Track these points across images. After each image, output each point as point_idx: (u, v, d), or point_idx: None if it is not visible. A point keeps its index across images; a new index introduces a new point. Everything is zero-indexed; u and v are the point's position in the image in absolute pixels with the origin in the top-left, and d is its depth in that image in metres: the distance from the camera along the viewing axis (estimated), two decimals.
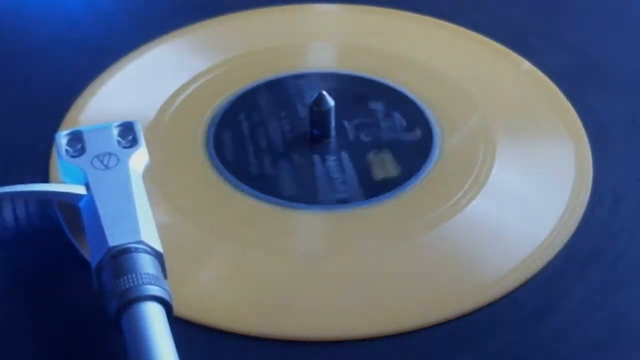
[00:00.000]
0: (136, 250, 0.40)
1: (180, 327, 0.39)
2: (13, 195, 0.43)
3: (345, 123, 0.51)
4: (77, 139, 0.46)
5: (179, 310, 0.40)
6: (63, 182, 0.45)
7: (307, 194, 0.47)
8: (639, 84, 0.55)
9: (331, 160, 0.49)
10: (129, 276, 0.39)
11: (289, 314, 0.42)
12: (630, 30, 0.59)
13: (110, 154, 0.45)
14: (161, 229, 0.42)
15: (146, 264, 0.40)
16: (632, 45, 0.58)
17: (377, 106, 0.53)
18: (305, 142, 0.50)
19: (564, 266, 0.44)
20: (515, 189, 0.48)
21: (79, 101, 0.53)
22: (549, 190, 0.48)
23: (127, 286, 0.38)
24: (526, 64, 0.56)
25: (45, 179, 0.48)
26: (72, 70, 0.56)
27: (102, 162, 0.44)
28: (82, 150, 0.45)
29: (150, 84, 0.55)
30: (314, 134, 0.50)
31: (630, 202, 0.47)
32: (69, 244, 0.45)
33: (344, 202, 0.47)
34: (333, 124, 0.50)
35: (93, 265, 0.41)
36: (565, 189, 0.48)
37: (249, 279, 0.44)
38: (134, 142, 0.46)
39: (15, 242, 0.45)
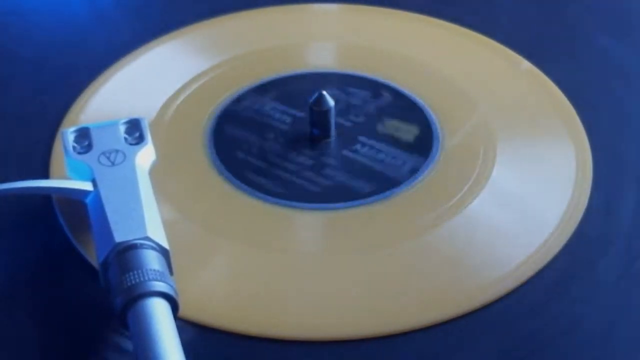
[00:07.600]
0: (142, 246, 0.40)
1: (180, 326, 0.39)
2: (20, 191, 0.43)
3: (345, 123, 0.51)
4: (84, 136, 0.46)
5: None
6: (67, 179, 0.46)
7: (307, 194, 0.47)
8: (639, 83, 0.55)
9: (331, 160, 0.49)
10: (135, 272, 0.39)
11: (288, 314, 0.42)
12: (631, 29, 0.59)
13: (117, 151, 0.45)
14: None
15: (152, 260, 0.40)
16: (633, 44, 0.58)
17: (377, 106, 0.53)
18: (306, 142, 0.50)
19: (563, 266, 0.44)
20: (515, 189, 0.48)
21: (79, 101, 0.53)
22: (549, 191, 0.48)
23: (133, 282, 0.38)
24: (526, 64, 0.56)
25: (46, 179, 0.48)
26: (72, 70, 0.56)
27: (108, 158, 0.44)
28: (89, 147, 0.45)
29: (151, 84, 0.55)
30: (314, 134, 0.50)
31: (630, 202, 0.47)
32: (69, 244, 0.45)
33: (344, 202, 0.47)
34: (333, 124, 0.50)
35: (99, 261, 0.41)
36: (565, 189, 0.48)
37: (249, 278, 0.44)
38: (140, 139, 0.46)
39: (16, 242, 0.45)
